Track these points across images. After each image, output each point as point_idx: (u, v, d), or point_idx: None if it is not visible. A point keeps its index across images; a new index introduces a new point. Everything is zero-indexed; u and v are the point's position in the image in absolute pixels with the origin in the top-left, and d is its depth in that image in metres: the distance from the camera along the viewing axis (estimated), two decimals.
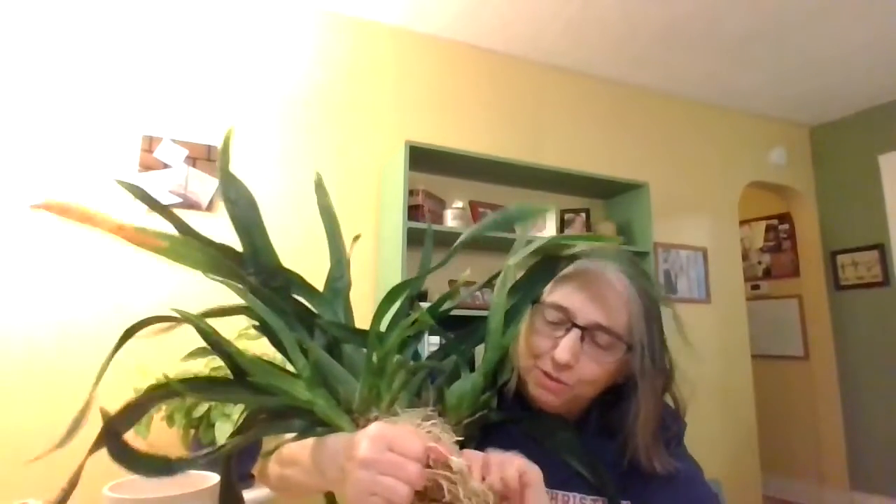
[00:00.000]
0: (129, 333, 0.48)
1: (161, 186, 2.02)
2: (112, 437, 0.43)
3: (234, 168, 0.55)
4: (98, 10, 2.04)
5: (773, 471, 3.57)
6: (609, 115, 3.04)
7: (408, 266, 2.06)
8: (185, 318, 0.48)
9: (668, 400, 0.71)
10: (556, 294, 0.67)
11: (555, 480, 0.63)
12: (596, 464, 0.63)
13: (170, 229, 0.52)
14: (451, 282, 2.38)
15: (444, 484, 0.45)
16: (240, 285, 0.52)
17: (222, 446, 0.50)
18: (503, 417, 0.66)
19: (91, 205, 0.44)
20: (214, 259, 0.50)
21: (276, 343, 0.53)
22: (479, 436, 0.63)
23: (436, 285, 2.35)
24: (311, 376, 0.50)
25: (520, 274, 0.66)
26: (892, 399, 3.13)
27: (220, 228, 2.11)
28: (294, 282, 0.57)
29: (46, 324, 1.81)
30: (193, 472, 1.27)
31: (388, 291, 0.55)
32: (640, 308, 0.65)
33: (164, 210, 0.51)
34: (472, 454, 0.50)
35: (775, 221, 3.97)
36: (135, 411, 0.46)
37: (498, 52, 2.78)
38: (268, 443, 0.66)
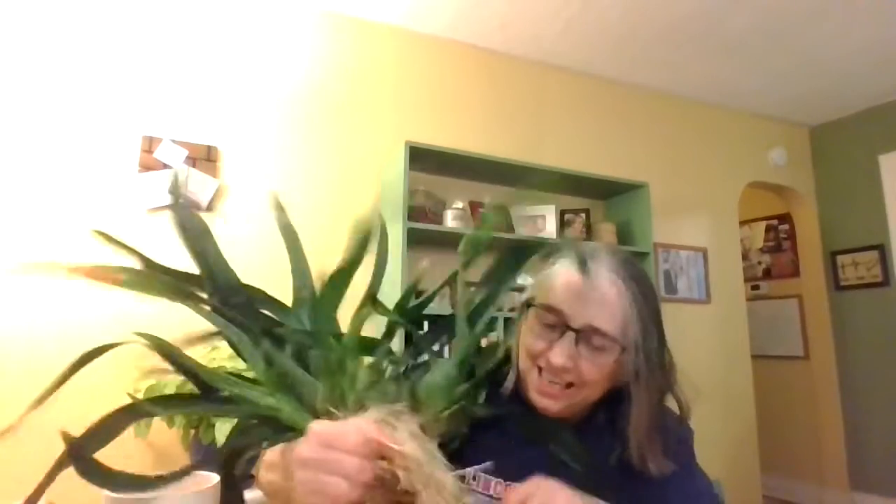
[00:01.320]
0: (84, 359, 0.50)
1: (161, 187, 2.02)
2: (79, 457, 0.44)
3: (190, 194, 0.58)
4: (98, 10, 2.04)
5: (773, 471, 3.57)
6: (609, 115, 3.04)
7: (408, 267, 2.06)
8: (146, 342, 0.49)
9: (672, 403, 0.70)
10: (549, 295, 0.67)
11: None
12: (594, 464, 0.63)
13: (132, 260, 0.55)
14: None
15: (400, 473, 0.44)
16: (201, 305, 0.53)
17: (195, 465, 0.52)
18: (492, 413, 0.66)
19: (44, 259, 0.46)
20: (173, 286, 0.53)
21: (241, 355, 0.55)
22: (467, 432, 0.63)
23: (435, 285, 2.35)
24: (270, 380, 0.51)
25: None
26: (892, 399, 3.13)
27: (220, 228, 2.11)
28: (257, 297, 0.60)
29: (47, 324, 1.81)
30: (195, 472, 1.27)
31: (329, 277, 0.56)
32: (634, 308, 0.65)
33: (124, 247, 0.54)
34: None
35: (775, 221, 3.97)
36: (101, 433, 0.46)
37: (498, 52, 2.78)
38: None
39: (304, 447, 0.45)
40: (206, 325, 0.55)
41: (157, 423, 1.60)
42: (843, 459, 3.31)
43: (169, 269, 0.55)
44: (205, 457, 1.58)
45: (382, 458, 0.45)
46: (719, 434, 2.97)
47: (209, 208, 2.08)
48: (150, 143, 2.04)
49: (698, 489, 0.70)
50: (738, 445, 3.03)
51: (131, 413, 0.48)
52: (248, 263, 2.34)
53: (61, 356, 1.75)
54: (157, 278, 0.53)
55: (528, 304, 0.68)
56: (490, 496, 0.64)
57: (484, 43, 2.72)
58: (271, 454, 0.59)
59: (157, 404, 0.50)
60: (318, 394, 0.52)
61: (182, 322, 0.56)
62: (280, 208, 0.65)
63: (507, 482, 0.64)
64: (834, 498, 3.32)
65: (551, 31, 2.61)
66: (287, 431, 0.52)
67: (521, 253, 0.64)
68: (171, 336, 0.53)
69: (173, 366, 0.51)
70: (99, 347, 0.51)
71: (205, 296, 0.55)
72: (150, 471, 0.48)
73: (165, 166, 2.04)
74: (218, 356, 1.56)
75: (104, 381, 1.82)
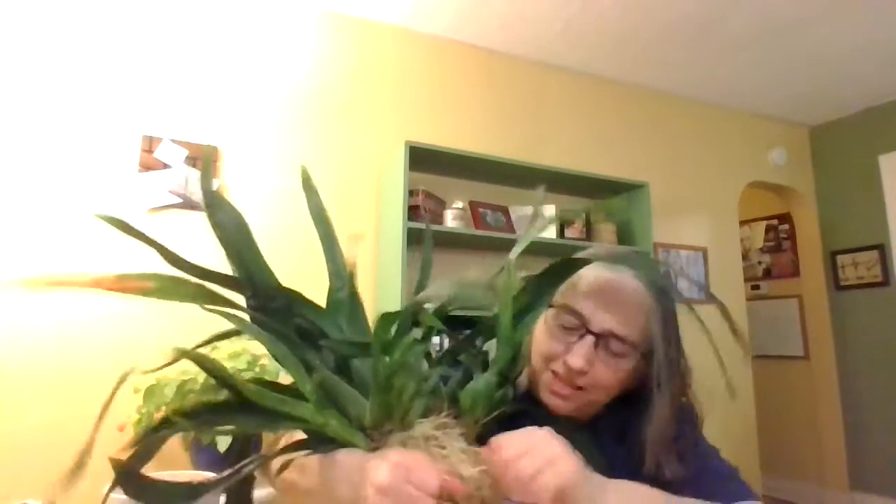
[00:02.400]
0: (123, 378, 0.47)
1: (161, 187, 2.02)
2: (128, 480, 0.42)
3: (227, 181, 0.53)
4: (98, 10, 2.04)
5: (773, 471, 3.57)
6: (609, 115, 3.04)
7: (408, 266, 2.06)
8: (184, 356, 0.46)
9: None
10: (572, 298, 0.66)
11: None
12: (612, 467, 0.63)
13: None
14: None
15: None
16: (237, 313, 0.50)
17: (240, 469, 0.49)
18: (519, 409, 0.65)
19: (61, 271, 0.42)
20: (206, 290, 0.48)
21: (283, 363, 0.52)
22: (495, 430, 0.63)
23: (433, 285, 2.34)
24: (319, 399, 0.49)
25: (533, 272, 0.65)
26: (893, 399, 3.13)
27: None
28: (295, 300, 0.56)
29: (47, 324, 1.81)
30: (197, 472, 1.27)
31: (380, 318, 0.52)
32: (656, 316, 0.65)
33: (147, 240, 0.49)
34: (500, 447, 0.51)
35: (775, 221, 3.97)
36: (144, 453, 0.45)
37: (498, 52, 2.78)
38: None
39: (383, 474, 0.46)
40: (211, 322, 0.52)
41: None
42: (843, 459, 3.31)
43: (197, 267, 0.50)
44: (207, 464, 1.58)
45: (451, 499, 0.47)
46: (719, 434, 2.96)
47: None
48: (150, 143, 2.04)
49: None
50: (738, 445, 3.03)
51: (169, 429, 0.46)
52: None
53: (62, 357, 1.76)
54: (187, 283, 0.48)
55: (549, 306, 0.67)
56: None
57: (484, 43, 2.72)
58: (305, 458, 0.59)
59: (195, 419, 0.46)
60: (364, 409, 0.51)
61: (186, 318, 0.54)
62: (312, 189, 0.61)
63: None
64: (834, 498, 3.31)
65: (551, 31, 2.61)
66: (329, 443, 0.52)
67: (566, 265, 0.62)
68: (179, 332, 0.51)
69: (215, 380, 0.48)
70: (143, 370, 0.47)
71: (232, 298, 0.51)
72: (150, 470, 0.48)
73: (165, 166, 2.04)
74: (218, 356, 1.56)
75: (103, 381, 1.82)
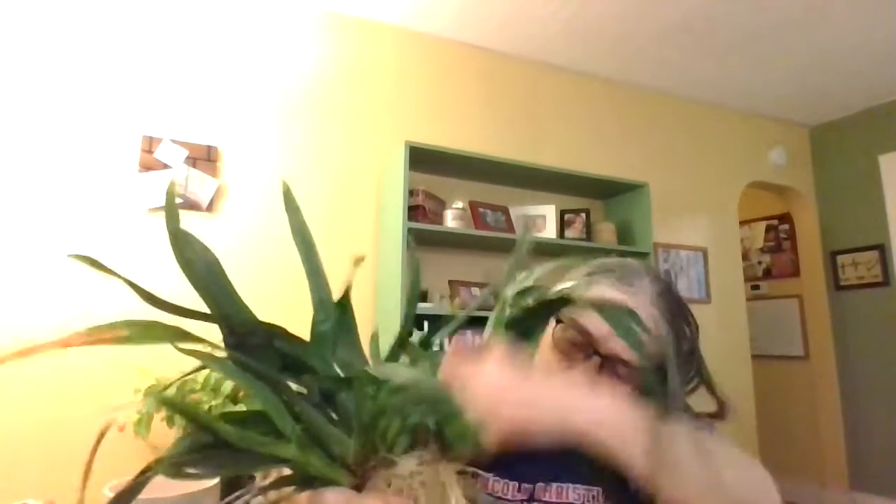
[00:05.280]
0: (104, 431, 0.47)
1: (161, 187, 2.02)
2: None
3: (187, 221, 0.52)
4: (98, 10, 2.04)
5: (773, 471, 3.54)
6: (609, 115, 3.04)
7: (408, 267, 2.06)
8: (164, 403, 0.46)
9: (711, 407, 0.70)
10: (581, 314, 0.65)
11: (547, 474, 0.64)
12: (598, 467, 0.63)
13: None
14: (450, 282, 2.38)
15: None
16: (214, 353, 0.50)
17: None
18: None
19: (24, 341, 0.42)
20: (181, 330, 0.48)
21: (264, 405, 0.53)
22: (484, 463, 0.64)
23: (435, 285, 2.35)
24: (300, 440, 0.49)
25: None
26: (892, 399, 3.13)
27: (220, 229, 2.09)
28: (276, 335, 0.54)
29: (46, 324, 1.81)
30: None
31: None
32: (667, 339, 0.65)
33: (120, 278, 0.49)
34: None
35: (775, 221, 3.97)
36: (126, 497, 0.45)
37: (497, 52, 2.78)
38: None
39: None
40: (206, 327, 0.53)
41: (157, 423, 1.60)
42: (843, 459, 3.31)
43: (176, 307, 0.50)
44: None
45: None
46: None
47: (209, 208, 2.08)
48: (150, 143, 2.04)
49: None
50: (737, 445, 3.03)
51: (151, 474, 0.47)
52: (248, 264, 2.33)
53: (60, 356, 1.75)
54: (162, 326, 0.47)
55: (557, 319, 0.66)
56: (490, 494, 0.65)
57: (483, 43, 2.72)
58: (294, 498, 0.59)
59: (178, 465, 0.48)
60: (348, 447, 0.51)
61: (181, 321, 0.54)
62: (294, 207, 0.60)
63: (505, 479, 0.65)
64: (834, 498, 3.32)
65: (551, 30, 2.61)
66: (314, 480, 0.51)
67: (554, 304, 0.60)
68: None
69: (192, 423, 0.47)
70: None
71: (210, 331, 0.51)
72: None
73: (165, 166, 2.04)
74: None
75: (100, 380, 1.82)
